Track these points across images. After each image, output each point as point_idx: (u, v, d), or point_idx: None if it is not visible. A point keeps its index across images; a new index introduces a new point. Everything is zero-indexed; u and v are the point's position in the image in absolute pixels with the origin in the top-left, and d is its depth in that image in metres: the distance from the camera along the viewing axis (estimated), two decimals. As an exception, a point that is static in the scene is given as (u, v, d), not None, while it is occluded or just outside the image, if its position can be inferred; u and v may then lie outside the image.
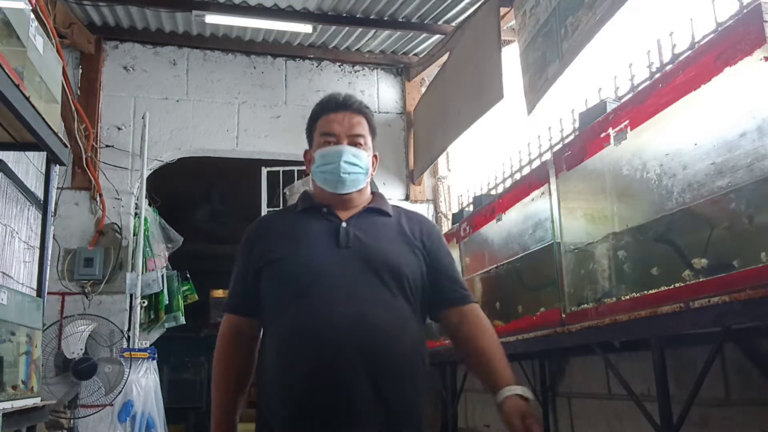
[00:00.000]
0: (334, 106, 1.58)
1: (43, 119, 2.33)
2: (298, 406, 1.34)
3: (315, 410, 1.33)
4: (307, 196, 1.65)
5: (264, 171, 4.48)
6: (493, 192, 3.86)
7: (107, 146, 4.26)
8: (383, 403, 1.33)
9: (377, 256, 1.45)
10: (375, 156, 1.64)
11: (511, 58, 3.41)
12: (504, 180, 3.81)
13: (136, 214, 4.17)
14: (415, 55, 4.91)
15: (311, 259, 1.44)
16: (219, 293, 9.50)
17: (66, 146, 2.72)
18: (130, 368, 3.59)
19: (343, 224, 1.50)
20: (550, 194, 2.46)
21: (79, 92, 4.23)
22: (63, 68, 3.13)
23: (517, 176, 3.58)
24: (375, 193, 1.64)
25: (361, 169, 1.55)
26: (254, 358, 1.56)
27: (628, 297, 1.93)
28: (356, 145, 1.55)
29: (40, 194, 3.33)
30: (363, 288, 1.41)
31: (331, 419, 1.32)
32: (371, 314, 1.37)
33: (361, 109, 1.59)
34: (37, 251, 3.04)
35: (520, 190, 2.76)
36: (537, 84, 3.02)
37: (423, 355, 1.45)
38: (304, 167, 1.94)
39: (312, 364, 1.34)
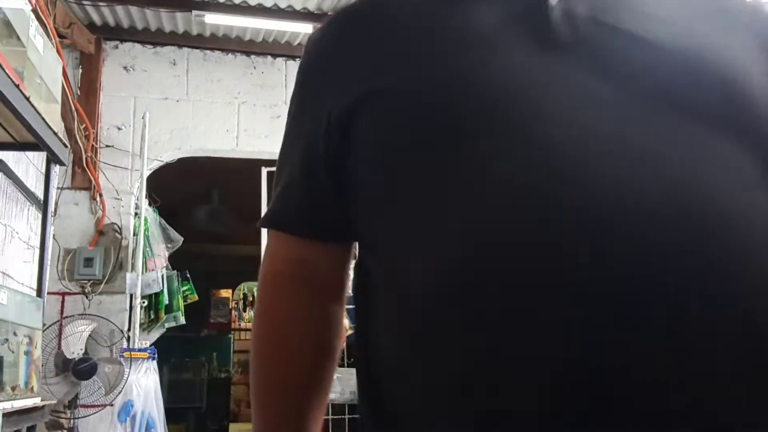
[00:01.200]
0: None
1: (43, 119, 2.33)
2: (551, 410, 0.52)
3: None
4: None
5: (264, 171, 4.46)
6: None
7: (107, 146, 4.26)
8: (747, 388, 0.51)
9: (676, 61, 0.59)
10: None
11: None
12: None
13: (136, 214, 4.17)
14: (415, 55, 4.90)
15: (508, 74, 0.59)
16: (220, 294, 9.49)
17: (66, 146, 2.72)
18: (130, 368, 3.59)
19: None
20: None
21: (79, 92, 4.23)
22: (63, 68, 3.14)
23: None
24: None
25: None
26: (340, 326, 0.73)
27: (628, 296, 1.93)
28: None
29: (40, 194, 3.33)
30: (655, 133, 0.55)
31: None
32: (694, 185, 0.53)
33: None
34: (37, 251, 3.04)
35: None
36: (537, 84, 3.02)
37: None
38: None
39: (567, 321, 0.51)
